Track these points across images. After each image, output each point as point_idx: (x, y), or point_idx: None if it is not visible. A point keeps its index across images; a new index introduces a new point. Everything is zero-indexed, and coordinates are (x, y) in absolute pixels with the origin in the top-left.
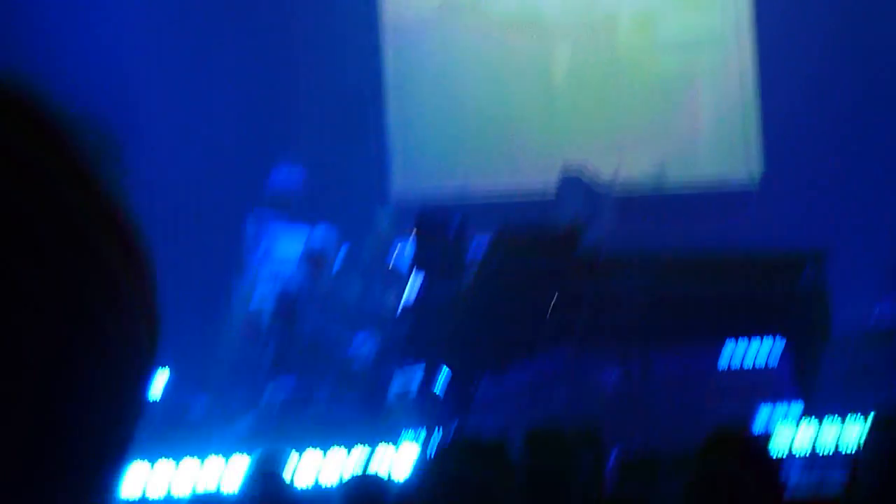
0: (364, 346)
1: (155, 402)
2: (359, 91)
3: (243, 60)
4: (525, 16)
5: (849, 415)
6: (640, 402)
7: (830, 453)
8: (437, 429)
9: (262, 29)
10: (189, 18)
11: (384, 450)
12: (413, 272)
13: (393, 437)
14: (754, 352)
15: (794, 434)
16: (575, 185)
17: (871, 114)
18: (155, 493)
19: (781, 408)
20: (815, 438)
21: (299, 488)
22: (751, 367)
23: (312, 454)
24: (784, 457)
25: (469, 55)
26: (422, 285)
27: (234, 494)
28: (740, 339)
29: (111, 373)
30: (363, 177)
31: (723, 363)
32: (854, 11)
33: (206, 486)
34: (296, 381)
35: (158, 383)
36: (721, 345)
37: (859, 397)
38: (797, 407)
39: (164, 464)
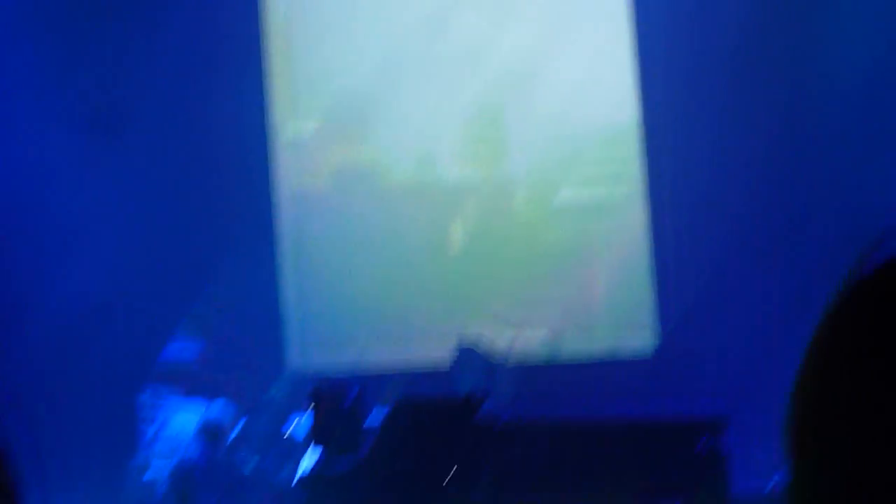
0: None
1: None
2: (255, 263)
3: (140, 232)
4: (422, 183)
5: None
6: None
7: None
8: None
9: (158, 200)
10: (82, 198)
11: None
12: (310, 444)
13: None
14: None
15: None
16: (472, 355)
17: (765, 284)
18: None
19: None
20: None
21: None
22: None
23: None
24: None
25: (365, 224)
26: (319, 457)
27: None
28: None
29: None
30: (260, 350)
31: None
32: (745, 179)
33: None
34: None
35: None
36: None
37: None
38: None
39: None
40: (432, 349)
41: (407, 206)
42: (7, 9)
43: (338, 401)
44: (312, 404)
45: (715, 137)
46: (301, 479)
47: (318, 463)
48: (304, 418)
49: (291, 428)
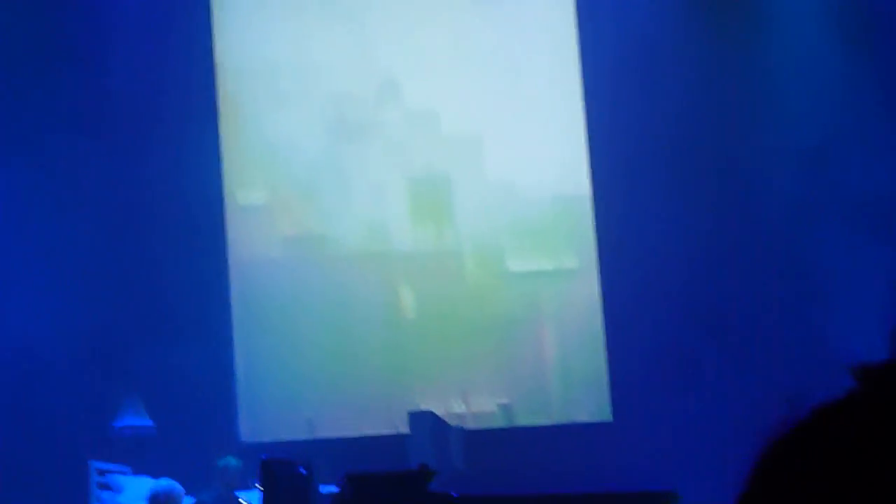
0: None
1: None
2: (206, 331)
3: (88, 296)
4: (372, 251)
5: None
6: None
7: None
8: None
9: (108, 265)
10: (30, 264)
11: None
12: None
13: None
14: None
15: None
16: (424, 424)
17: (720, 347)
18: None
19: None
20: None
21: None
22: None
23: None
24: None
25: (316, 291)
26: None
27: None
28: None
29: None
30: (209, 426)
31: None
32: (699, 246)
33: None
34: None
35: None
36: None
37: None
38: None
39: None
40: (384, 418)
41: (357, 273)
42: None
43: (288, 475)
44: (262, 479)
45: (665, 207)
46: None
47: None
48: (253, 495)
49: (242, 502)
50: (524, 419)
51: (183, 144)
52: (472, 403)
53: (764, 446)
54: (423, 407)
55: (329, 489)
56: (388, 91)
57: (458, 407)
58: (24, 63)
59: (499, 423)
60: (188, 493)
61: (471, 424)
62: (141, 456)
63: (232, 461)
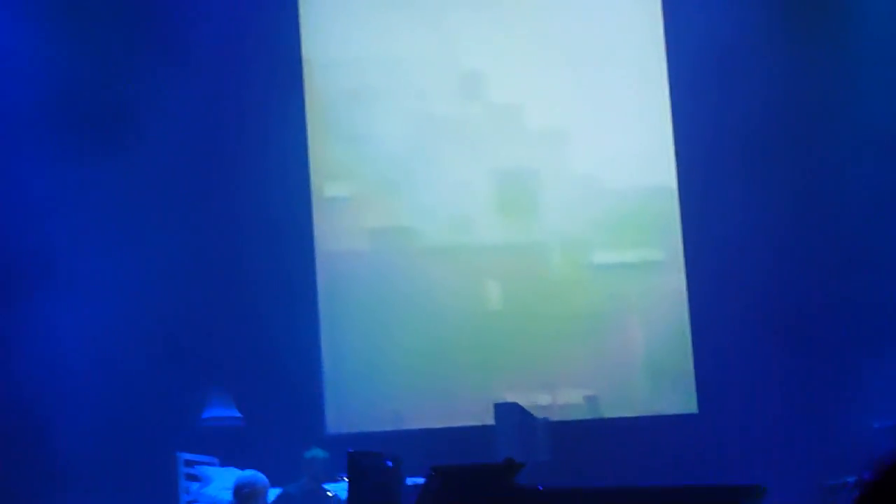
0: None
1: None
2: (293, 324)
3: (179, 291)
4: (457, 244)
5: None
6: None
7: None
8: None
9: (197, 260)
10: (128, 270)
11: None
12: None
13: None
14: None
15: None
16: (511, 417)
17: (805, 342)
18: None
19: None
20: None
21: None
22: None
23: None
24: None
25: (401, 284)
26: None
27: None
28: None
29: None
30: (296, 418)
31: None
32: (783, 240)
33: None
34: None
35: None
36: None
37: None
38: None
39: None
40: (470, 410)
41: (442, 266)
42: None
43: (374, 467)
44: (349, 473)
45: (749, 200)
46: None
47: None
48: (340, 487)
49: (329, 497)
50: (610, 411)
51: (270, 138)
52: (557, 395)
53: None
54: (509, 399)
55: (415, 481)
56: (473, 85)
57: (544, 399)
58: (116, 62)
59: (584, 415)
60: (275, 484)
61: (556, 416)
62: (228, 447)
63: (319, 453)
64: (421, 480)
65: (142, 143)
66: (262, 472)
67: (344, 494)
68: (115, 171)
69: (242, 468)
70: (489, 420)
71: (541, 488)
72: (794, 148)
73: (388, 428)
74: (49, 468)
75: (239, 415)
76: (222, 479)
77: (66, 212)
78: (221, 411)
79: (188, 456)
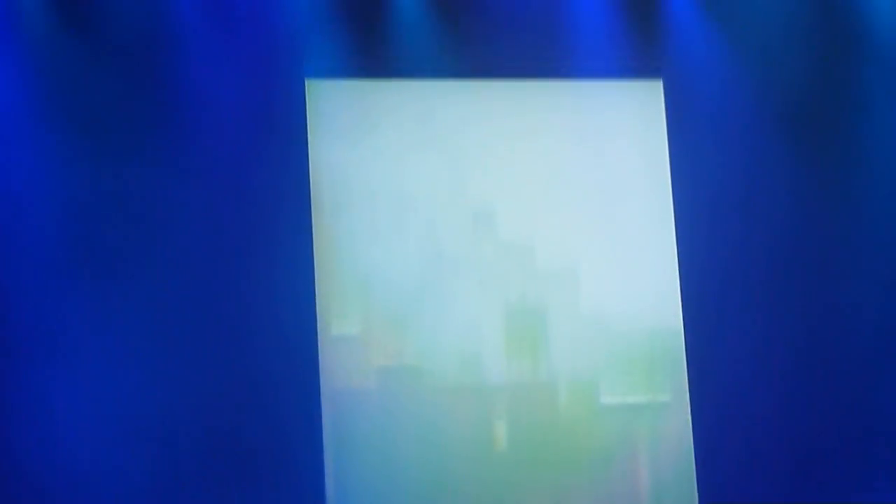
0: None
1: None
2: (298, 462)
3: (180, 426)
4: (466, 383)
5: None
6: None
7: None
8: None
9: (200, 396)
10: (124, 389)
11: None
12: None
13: None
14: None
15: None
16: None
17: (812, 483)
18: None
19: None
20: None
21: None
22: None
23: None
24: None
25: (408, 423)
26: None
27: None
28: None
29: None
30: None
31: None
32: (790, 384)
33: None
34: None
35: None
36: None
37: None
38: None
39: None
40: None
41: (450, 405)
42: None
43: None
44: None
45: (756, 340)
46: None
47: None
48: None
49: None
50: None
51: (277, 274)
52: None
53: None
54: None
55: None
56: (484, 223)
57: None
58: (118, 195)
59: None
60: None
61: None
62: None
63: None
64: None
65: (146, 276)
66: None
67: None
68: (118, 306)
69: None
70: None
71: None
72: (802, 289)
73: None
74: None
75: None
76: None
77: (64, 338)
78: None
79: None
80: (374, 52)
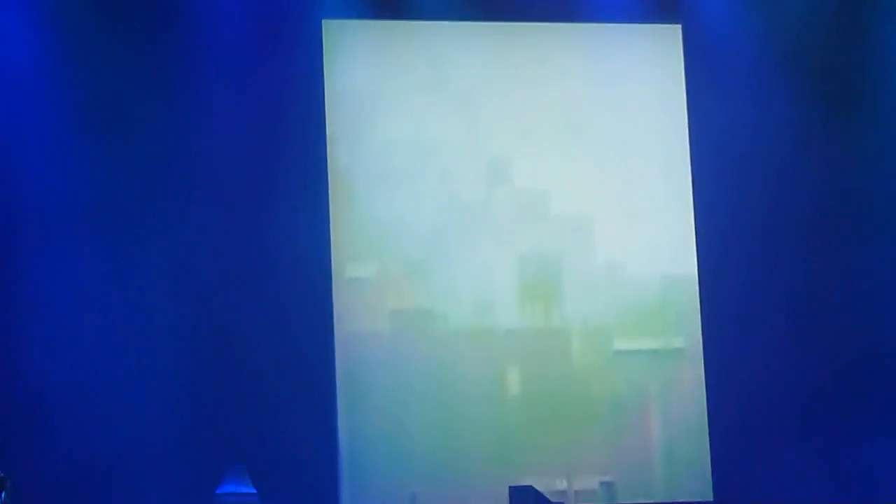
0: None
1: None
2: (311, 404)
3: (195, 367)
4: (479, 328)
5: None
6: None
7: None
8: None
9: (215, 336)
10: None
11: None
12: None
13: None
14: None
15: None
16: (525, 501)
17: (824, 430)
18: None
19: None
20: None
21: None
22: None
23: None
24: None
25: (421, 367)
26: None
27: None
28: None
29: None
30: (311, 498)
31: None
32: (804, 332)
33: None
34: None
35: None
36: None
37: None
38: None
39: None
40: (486, 493)
41: (463, 349)
42: None
43: None
44: None
45: (769, 292)
46: None
47: None
48: None
49: None
50: (625, 497)
51: (292, 217)
52: (574, 481)
53: None
54: (526, 483)
55: None
56: (499, 170)
57: (560, 484)
58: (136, 137)
59: (600, 500)
60: None
61: (572, 501)
62: None
63: None
64: None
65: (162, 224)
66: None
67: None
68: (135, 250)
69: None
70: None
71: None
72: (813, 238)
73: None
74: None
75: (254, 491)
76: None
77: (83, 296)
78: (237, 487)
79: None
80: None
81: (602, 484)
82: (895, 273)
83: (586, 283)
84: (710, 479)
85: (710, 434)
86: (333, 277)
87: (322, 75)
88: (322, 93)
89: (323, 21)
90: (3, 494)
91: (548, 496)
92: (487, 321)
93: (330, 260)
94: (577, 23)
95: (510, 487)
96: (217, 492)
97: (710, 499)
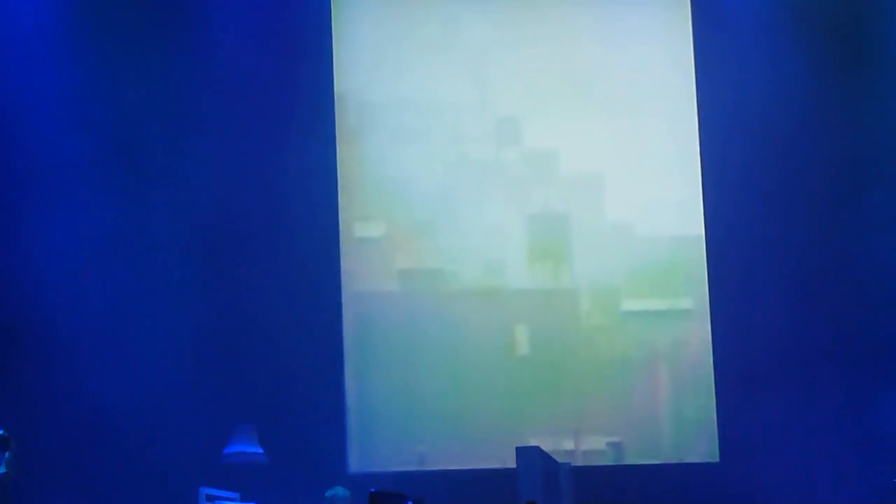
0: None
1: None
2: (319, 362)
3: (208, 326)
4: (488, 287)
5: None
6: None
7: None
8: None
9: (226, 296)
10: (154, 294)
11: None
12: None
13: None
14: None
15: None
16: (534, 460)
17: (828, 393)
18: None
19: None
20: None
21: None
22: None
23: None
24: None
25: (429, 326)
26: None
27: None
28: None
29: None
30: (319, 456)
31: None
32: (810, 294)
33: None
34: None
35: None
36: None
37: None
38: None
39: None
40: (494, 453)
41: (472, 309)
42: None
43: None
44: None
45: (776, 254)
46: None
47: None
48: None
49: None
50: (633, 458)
51: (301, 177)
52: (582, 441)
53: None
54: (533, 443)
55: None
56: (509, 130)
57: (568, 444)
58: (148, 99)
59: (608, 461)
60: None
61: (580, 462)
62: (250, 483)
63: (340, 491)
64: None
65: (172, 180)
66: None
67: None
68: (147, 208)
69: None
70: (512, 463)
71: None
72: (818, 200)
73: (412, 468)
74: (73, 499)
75: (261, 451)
76: None
77: (95, 252)
78: (244, 447)
79: (210, 491)
80: None
81: (609, 444)
82: None
83: (595, 244)
84: (717, 439)
85: (716, 395)
86: (342, 237)
87: (331, 36)
88: (331, 53)
89: None
90: (6, 454)
91: (555, 456)
92: (496, 281)
93: (338, 220)
94: None
95: (517, 448)
96: (225, 451)
97: (717, 460)
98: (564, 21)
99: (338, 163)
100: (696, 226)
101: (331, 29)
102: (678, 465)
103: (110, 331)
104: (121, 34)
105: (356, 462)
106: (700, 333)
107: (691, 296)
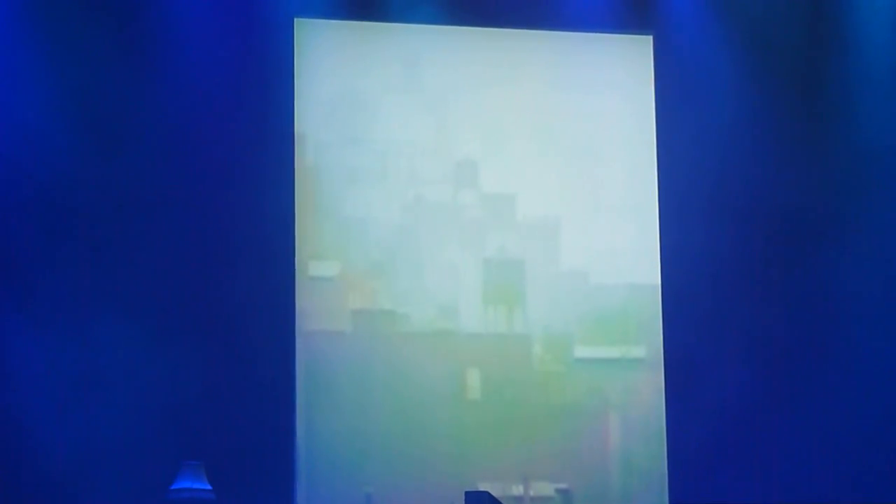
0: None
1: None
2: (270, 400)
3: (154, 363)
4: (441, 330)
5: None
6: None
7: None
8: None
9: (173, 337)
10: (102, 323)
11: None
12: None
13: None
14: None
15: None
16: None
17: (780, 446)
18: None
19: None
20: None
21: None
22: None
23: None
24: None
25: (381, 367)
26: None
27: None
28: None
29: None
30: (267, 494)
31: None
32: (761, 347)
33: None
34: None
35: None
36: None
37: None
38: None
39: None
40: (442, 497)
41: (424, 352)
42: None
43: None
44: None
45: (733, 304)
46: None
47: None
48: None
49: None
50: None
51: (257, 214)
52: (531, 486)
53: None
54: (482, 488)
55: None
56: (467, 173)
57: (518, 489)
58: (103, 132)
59: None
60: None
61: None
62: None
63: None
64: None
65: (125, 214)
66: None
67: None
68: (99, 240)
69: None
70: None
71: None
72: (777, 250)
73: None
74: None
75: (209, 487)
76: None
77: (49, 292)
78: (192, 483)
79: None
80: None
81: (558, 491)
82: (862, 283)
83: (550, 290)
84: (667, 489)
85: (667, 444)
86: (297, 275)
87: (293, 73)
88: (292, 91)
89: (295, 19)
90: None
91: (504, 501)
92: (450, 324)
93: (294, 258)
94: (550, 30)
95: (466, 492)
96: (172, 488)
97: None
98: (525, 65)
99: (295, 201)
100: (652, 274)
101: (293, 68)
102: None
103: (56, 369)
104: (80, 76)
105: (304, 501)
106: (653, 382)
107: (645, 344)
